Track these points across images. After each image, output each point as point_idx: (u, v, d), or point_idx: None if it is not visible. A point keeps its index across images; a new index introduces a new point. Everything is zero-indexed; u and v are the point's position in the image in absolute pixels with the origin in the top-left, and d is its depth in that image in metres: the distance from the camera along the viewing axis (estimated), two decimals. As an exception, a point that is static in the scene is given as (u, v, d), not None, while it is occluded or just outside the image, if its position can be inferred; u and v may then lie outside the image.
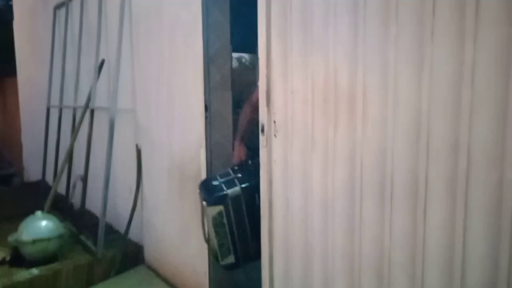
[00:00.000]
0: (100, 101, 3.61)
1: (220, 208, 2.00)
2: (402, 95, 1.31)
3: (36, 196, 5.18)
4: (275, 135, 1.82)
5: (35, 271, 2.90)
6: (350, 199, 1.50)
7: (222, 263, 2.09)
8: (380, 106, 1.37)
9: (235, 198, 2.00)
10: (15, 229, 3.38)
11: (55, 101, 4.83)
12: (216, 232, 2.05)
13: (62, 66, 4.57)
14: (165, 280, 2.99)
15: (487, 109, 1.09)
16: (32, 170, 6.63)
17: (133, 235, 3.29)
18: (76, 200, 4.19)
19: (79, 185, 3.99)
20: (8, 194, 5.78)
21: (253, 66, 6.54)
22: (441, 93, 1.19)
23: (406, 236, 1.32)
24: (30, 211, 3.84)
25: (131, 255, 3.22)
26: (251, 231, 2.02)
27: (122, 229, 3.39)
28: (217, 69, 2.43)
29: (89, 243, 3.23)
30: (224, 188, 2.02)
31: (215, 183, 2.06)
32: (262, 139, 1.87)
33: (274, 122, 1.81)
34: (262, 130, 1.87)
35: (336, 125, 1.53)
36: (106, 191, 3.19)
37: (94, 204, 3.85)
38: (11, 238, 3.04)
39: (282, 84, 1.77)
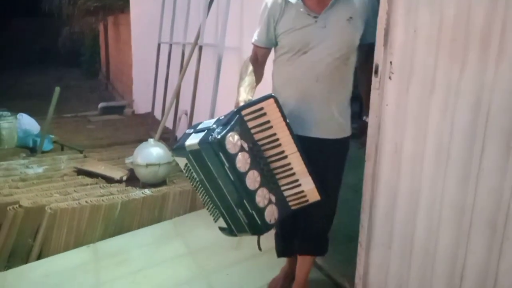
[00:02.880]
0: (208, 38, 3.71)
1: (184, 160, 1.67)
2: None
3: (145, 126, 5.64)
4: (390, 77, 1.74)
5: (147, 191, 3.22)
6: (469, 146, 1.41)
7: (217, 224, 1.76)
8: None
9: (196, 153, 1.59)
10: (128, 152, 3.75)
11: (165, 37, 5.07)
12: (196, 187, 1.74)
13: (173, 2, 4.73)
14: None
15: None
16: (141, 103, 7.17)
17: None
18: (181, 133, 4.48)
19: (185, 119, 4.24)
20: (121, 123, 6.36)
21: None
22: None
23: (532, 191, 1.22)
24: (141, 139, 4.21)
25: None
26: (238, 198, 1.61)
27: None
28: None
29: (193, 171, 3.47)
30: (188, 139, 1.64)
31: (188, 131, 1.71)
32: (375, 81, 1.80)
33: (391, 63, 1.73)
34: (376, 72, 1.80)
35: (463, 68, 1.41)
36: (210, 125, 3.35)
37: (197, 137, 4.07)
38: (128, 161, 3.38)
39: (404, 21, 1.66)
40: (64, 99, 5.76)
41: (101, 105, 7.95)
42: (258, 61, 1.94)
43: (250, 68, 1.88)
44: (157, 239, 2.91)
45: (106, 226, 2.95)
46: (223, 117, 1.66)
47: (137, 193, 3.15)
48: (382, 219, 1.85)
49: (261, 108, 1.64)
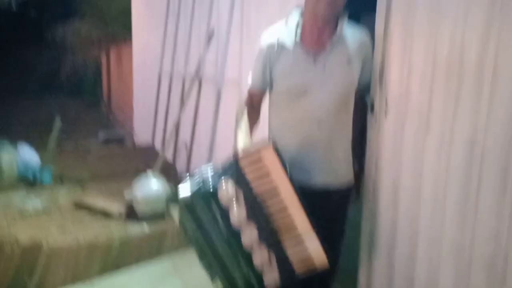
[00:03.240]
0: (208, 70, 3.75)
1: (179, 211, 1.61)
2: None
3: (145, 157, 5.64)
4: (385, 115, 1.75)
5: (146, 226, 3.19)
6: (466, 186, 1.40)
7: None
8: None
9: (188, 204, 1.53)
10: (128, 184, 3.73)
11: (166, 69, 5.13)
12: (190, 240, 1.63)
13: (174, 35, 4.81)
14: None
15: None
16: (142, 133, 7.18)
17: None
18: (180, 165, 4.48)
19: (184, 151, 4.25)
20: (121, 154, 6.35)
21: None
22: None
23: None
24: (140, 171, 4.19)
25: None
26: (234, 258, 1.50)
27: (222, 195, 3.55)
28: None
29: (192, 204, 3.44)
30: (183, 189, 1.57)
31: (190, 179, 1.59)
32: (371, 118, 1.81)
33: (386, 100, 1.74)
34: (372, 109, 1.81)
35: (456, 106, 1.42)
36: (209, 160, 3.36)
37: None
38: (126, 194, 3.36)
39: (399, 60, 1.68)
40: (65, 129, 5.77)
41: (102, 135, 7.98)
42: (254, 105, 1.86)
43: (246, 112, 1.80)
44: (155, 277, 2.86)
45: (104, 263, 2.91)
46: (222, 164, 1.54)
47: (136, 228, 3.12)
48: (382, 258, 1.82)
49: (260, 157, 1.50)
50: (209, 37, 3.64)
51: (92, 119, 11.71)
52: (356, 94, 1.75)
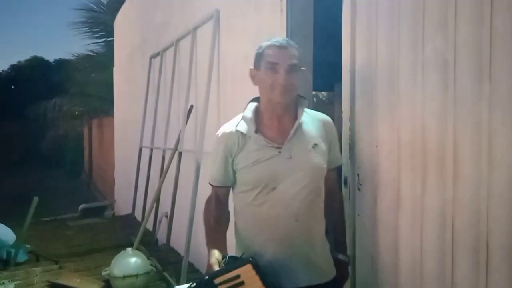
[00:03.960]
0: (187, 143, 3.82)
1: None
2: (497, 154, 1.25)
3: (125, 229, 5.53)
4: (358, 189, 1.80)
5: (123, 305, 3.07)
6: (440, 262, 1.42)
7: None
8: (473, 165, 1.32)
9: None
10: (106, 260, 3.63)
11: (146, 141, 5.20)
12: None
13: (154, 110, 4.94)
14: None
15: None
16: (123, 204, 7.10)
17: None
18: (161, 236, 4.41)
19: (165, 222, 4.20)
20: (101, 226, 6.22)
21: (330, 102, 6.64)
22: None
23: (505, 308, 1.22)
24: (119, 245, 4.11)
25: (211, 296, 3.28)
26: None
27: (203, 269, 3.48)
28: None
29: (172, 280, 3.36)
30: None
31: None
32: (345, 191, 1.86)
33: (358, 175, 1.80)
34: (345, 183, 1.86)
35: (424, 183, 1.48)
36: (190, 231, 3.33)
37: (177, 242, 4.01)
38: (104, 273, 3.26)
39: (366, 136, 1.76)
40: (44, 202, 5.66)
41: (82, 206, 7.83)
42: (220, 201, 1.66)
43: (214, 213, 1.63)
44: None
45: None
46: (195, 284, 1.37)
47: (113, 308, 3.00)
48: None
49: (238, 276, 1.34)
50: (188, 112, 3.75)
51: (72, 190, 11.54)
52: (328, 179, 1.63)
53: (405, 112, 1.57)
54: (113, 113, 7.98)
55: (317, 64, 2.58)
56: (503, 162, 1.23)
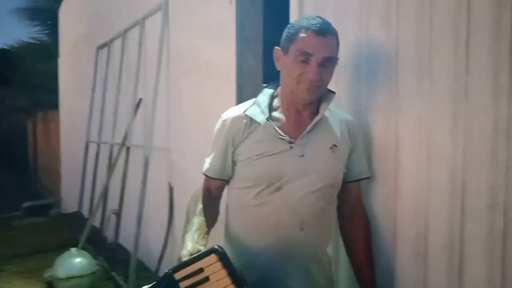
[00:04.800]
0: (136, 138, 3.71)
1: None
2: (436, 151, 1.27)
3: (71, 227, 5.32)
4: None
5: (67, 308, 2.94)
6: (385, 255, 1.45)
7: None
8: (413, 160, 1.34)
9: None
10: (49, 261, 3.46)
11: (94, 136, 5.01)
12: None
13: (101, 103, 4.76)
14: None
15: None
16: (69, 200, 6.83)
17: (163, 272, 3.29)
18: (109, 233, 4.27)
19: (113, 219, 4.07)
20: (45, 226, 5.95)
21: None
22: (476, 150, 1.15)
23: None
24: (65, 244, 3.94)
25: (161, 294, 3.21)
26: None
27: (153, 266, 3.41)
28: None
29: (120, 280, 3.26)
30: None
31: None
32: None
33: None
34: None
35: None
36: (138, 228, 3.24)
37: (126, 239, 3.90)
38: (46, 274, 3.12)
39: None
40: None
41: (25, 204, 7.45)
42: (211, 196, 1.46)
43: (200, 206, 1.41)
44: None
45: None
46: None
47: (56, 311, 2.87)
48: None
49: (201, 269, 1.16)
50: (137, 106, 3.64)
51: (16, 188, 10.96)
52: (349, 195, 1.42)
53: (350, 106, 1.57)
54: (58, 107, 7.64)
55: (268, 57, 2.57)
56: (442, 155, 1.26)
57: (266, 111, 1.34)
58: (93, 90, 5.11)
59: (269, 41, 2.67)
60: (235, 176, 1.39)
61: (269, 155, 1.31)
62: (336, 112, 1.43)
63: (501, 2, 1.09)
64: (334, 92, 1.37)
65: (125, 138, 3.73)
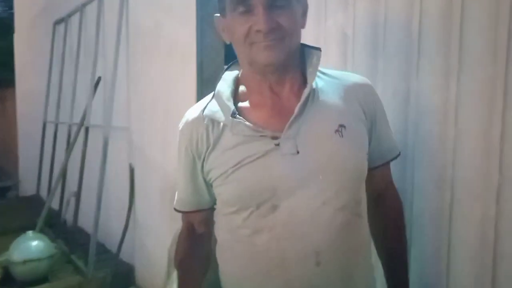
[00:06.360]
0: (95, 118, 3.60)
1: None
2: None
3: (30, 210, 5.16)
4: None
5: (24, 291, 2.87)
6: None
7: None
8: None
9: None
10: (6, 246, 3.35)
11: (51, 115, 4.84)
12: None
13: (59, 81, 4.58)
14: (156, 302, 2.95)
15: (470, 145, 1.08)
16: (28, 183, 6.61)
17: (124, 255, 3.26)
18: (69, 216, 4.17)
19: (73, 201, 3.97)
20: (2, 209, 5.74)
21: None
22: (426, 127, 1.18)
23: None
24: (23, 227, 3.81)
25: (122, 276, 3.18)
26: None
27: (114, 249, 3.35)
28: (212, 91, 2.42)
29: (80, 263, 3.19)
30: None
31: None
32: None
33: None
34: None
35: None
36: (98, 211, 3.17)
37: (86, 222, 3.82)
38: (1, 258, 3.01)
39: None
40: None
41: (-19, 187, 7.17)
42: (195, 234, 1.11)
43: (182, 255, 1.12)
44: None
45: None
46: None
47: (12, 295, 2.79)
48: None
49: None
50: (95, 84, 3.52)
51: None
52: (376, 182, 1.05)
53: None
54: (15, 85, 7.31)
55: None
56: (394, 132, 1.28)
57: (230, 103, 0.96)
58: (50, 68, 4.91)
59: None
60: (217, 200, 1.03)
61: (249, 163, 0.92)
62: (335, 74, 1.02)
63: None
64: (319, 49, 0.98)
65: (83, 118, 3.61)
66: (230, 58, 1.06)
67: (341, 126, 0.93)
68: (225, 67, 1.06)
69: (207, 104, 1.00)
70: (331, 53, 1.47)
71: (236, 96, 0.99)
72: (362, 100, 0.98)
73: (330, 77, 1.00)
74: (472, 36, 1.06)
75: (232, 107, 0.95)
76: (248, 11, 0.89)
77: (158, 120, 2.83)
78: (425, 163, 1.19)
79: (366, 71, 1.34)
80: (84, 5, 3.93)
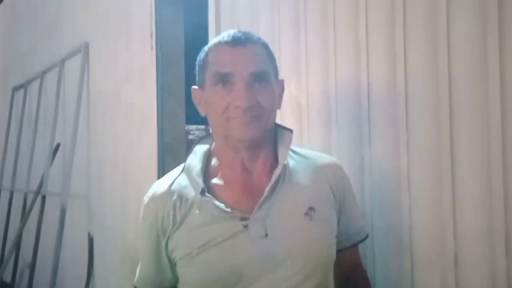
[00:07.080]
0: (53, 185, 3.48)
1: None
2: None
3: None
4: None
5: None
6: None
7: None
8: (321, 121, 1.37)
9: None
10: None
11: (6, 182, 4.66)
12: None
13: (16, 147, 4.46)
14: None
15: (424, 213, 1.09)
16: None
17: None
18: (22, 289, 3.91)
19: (27, 273, 3.74)
20: None
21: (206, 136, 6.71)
22: (382, 196, 1.19)
23: None
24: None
25: None
26: None
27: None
28: (173, 157, 2.40)
29: None
30: None
31: None
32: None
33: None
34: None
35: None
36: (53, 284, 2.99)
37: (41, 296, 3.58)
38: None
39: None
40: None
41: None
42: None
43: None
44: None
45: None
46: None
47: None
48: None
49: None
50: (54, 151, 3.44)
51: None
52: (343, 263, 1.04)
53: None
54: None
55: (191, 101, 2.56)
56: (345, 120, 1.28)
57: (200, 180, 0.93)
58: (7, 134, 4.78)
59: (192, 84, 2.68)
60: (180, 280, 0.98)
61: (216, 245, 0.89)
62: (307, 155, 1.04)
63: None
64: (290, 130, 1.00)
65: (40, 185, 3.48)
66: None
67: (311, 209, 0.94)
68: (197, 139, 1.06)
69: (176, 178, 0.98)
70: (287, 121, 1.49)
71: (207, 170, 0.98)
72: (332, 181, 1.00)
73: (300, 157, 1.02)
74: (417, 107, 1.10)
75: (202, 184, 0.93)
76: (228, 85, 0.91)
77: (117, 187, 2.76)
78: (383, 231, 1.19)
79: (321, 139, 1.37)
80: (44, 72, 3.91)
